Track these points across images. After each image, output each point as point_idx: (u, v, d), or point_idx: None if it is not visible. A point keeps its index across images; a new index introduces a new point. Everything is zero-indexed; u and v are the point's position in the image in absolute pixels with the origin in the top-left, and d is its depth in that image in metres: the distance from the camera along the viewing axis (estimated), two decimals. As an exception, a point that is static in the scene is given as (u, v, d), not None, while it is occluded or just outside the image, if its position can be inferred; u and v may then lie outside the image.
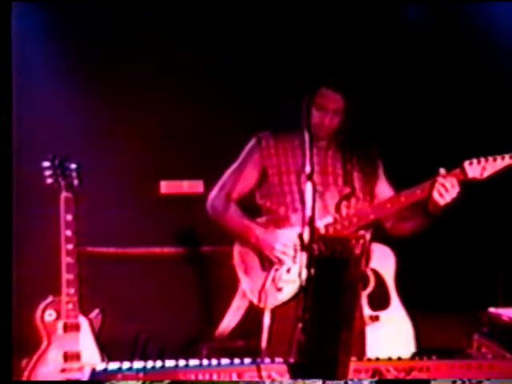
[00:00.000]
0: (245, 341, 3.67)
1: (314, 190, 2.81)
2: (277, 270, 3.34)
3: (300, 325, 2.55)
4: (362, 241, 2.51)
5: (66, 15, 4.70)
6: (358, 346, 3.19)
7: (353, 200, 3.44)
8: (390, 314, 3.64)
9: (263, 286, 3.33)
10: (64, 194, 3.89)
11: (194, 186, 4.87)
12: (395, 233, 3.54)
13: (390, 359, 2.64)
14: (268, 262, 3.37)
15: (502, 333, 3.42)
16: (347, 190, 3.45)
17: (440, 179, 3.25)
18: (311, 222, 2.74)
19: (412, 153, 4.69)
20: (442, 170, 3.28)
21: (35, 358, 3.86)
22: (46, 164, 3.88)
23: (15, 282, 3.40)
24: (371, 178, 3.52)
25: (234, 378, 2.55)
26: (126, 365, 2.57)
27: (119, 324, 4.26)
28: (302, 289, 2.97)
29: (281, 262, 3.34)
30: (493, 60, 4.79)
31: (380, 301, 3.62)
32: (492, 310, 3.58)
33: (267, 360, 2.62)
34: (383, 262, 3.65)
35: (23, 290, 4.07)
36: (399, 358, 2.65)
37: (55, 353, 3.87)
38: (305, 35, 4.74)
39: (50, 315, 3.90)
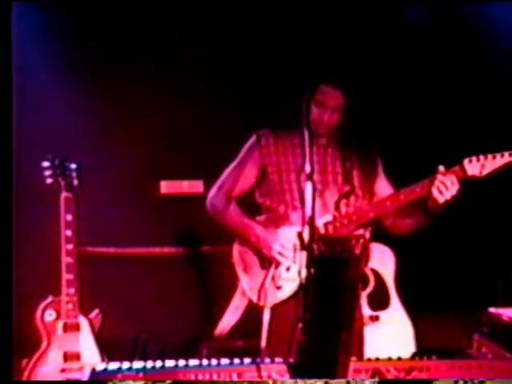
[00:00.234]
0: (244, 341, 3.67)
1: (314, 189, 2.81)
2: (276, 268, 3.34)
3: (300, 325, 2.55)
4: (361, 240, 2.51)
5: (66, 15, 4.70)
6: (357, 346, 3.19)
7: (352, 198, 3.44)
8: (389, 313, 3.64)
9: (262, 284, 3.33)
10: (64, 194, 3.89)
11: (194, 186, 4.87)
12: (395, 231, 3.54)
13: (390, 359, 2.64)
14: (267, 260, 3.37)
15: (502, 333, 3.42)
16: (346, 188, 3.44)
17: (439, 177, 3.25)
18: (311, 222, 2.74)
19: (411, 150, 4.69)
20: (442, 168, 3.27)
21: (35, 357, 3.85)
22: (46, 164, 3.88)
23: (15, 282, 3.40)
24: (370, 176, 3.52)
25: (234, 377, 2.55)
26: (125, 365, 2.57)
27: (119, 324, 4.26)
28: (301, 287, 2.97)
29: (278, 262, 3.33)
30: (493, 60, 4.79)
31: (380, 301, 3.62)
32: (492, 309, 3.58)
33: (267, 360, 2.62)
34: (383, 261, 3.65)
35: (23, 289, 4.07)
36: (399, 358, 2.65)
37: (55, 353, 3.87)
38: (305, 35, 4.74)
39: (50, 315, 3.90)
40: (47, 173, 3.88)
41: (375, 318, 3.63)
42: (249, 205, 3.54)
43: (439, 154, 3.38)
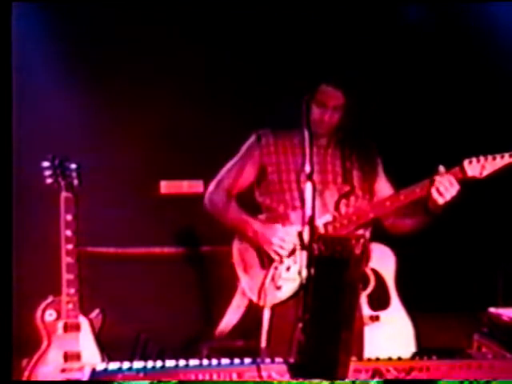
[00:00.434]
0: (245, 341, 3.67)
1: (314, 189, 2.81)
2: (276, 268, 3.34)
3: (300, 325, 2.55)
4: (362, 240, 2.51)
5: (66, 15, 4.70)
6: (357, 346, 3.19)
7: (352, 198, 3.44)
8: (390, 313, 3.65)
9: (262, 284, 3.32)
10: (64, 194, 3.89)
11: (194, 186, 4.87)
12: (394, 231, 3.53)
13: (390, 359, 2.64)
14: (267, 260, 3.36)
15: (502, 333, 3.42)
16: (346, 189, 3.44)
17: (439, 178, 3.24)
18: (311, 222, 2.74)
19: (411, 150, 4.69)
20: (442, 169, 3.27)
21: (35, 357, 3.86)
22: (46, 164, 3.89)
23: (15, 282, 3.39)
24: (370, 176, 3.51)
25: (234, 377, 2.55)
26: (126, 365, 2.57)
27: (119, 324, 4.26)
28: (301, 287, 2.97)
29: (278, 255, 3.32)
30: (493, 60, 4.79)
31: (380, 301, 3.63)
32: (492, 309, 3.58)
33: (267, 360, 2.62)
34: (383, 261, 3.66)
35: (23, 289, 4.07)
36: (399, 358, 2.65)
37: (55, 353, 3.87)
38: (305, 35, 4.74)
39: (50, 315, 3.90)
40: (47, 173, 3.88)
41: (375, 318, 3.63)
42: (249, 204, 3.54)
43: (439, 154, 3.37)
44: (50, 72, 4.70)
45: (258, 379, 2.54)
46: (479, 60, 4.82)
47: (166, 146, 4.78)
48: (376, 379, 2.56)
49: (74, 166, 3.92)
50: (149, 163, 4.80)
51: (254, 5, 4.70)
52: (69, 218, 3.88)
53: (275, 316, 3.29)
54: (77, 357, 3.86)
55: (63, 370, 3.85)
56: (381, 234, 3.54)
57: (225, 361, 2.60)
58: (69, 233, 3.88)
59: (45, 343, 3.89)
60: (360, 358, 2.69)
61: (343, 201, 3.42)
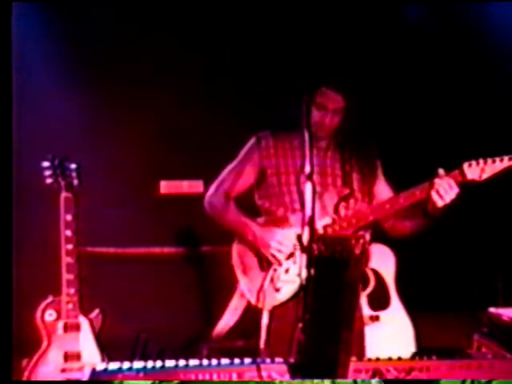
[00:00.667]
0: (245, 341, 3.68)
1: (314, 191, 2.81)
2: (275, 270, 3.33)
3: (300, 325, 2.55)
4: (361, 241, 2.51)
5: (66, 15, 4.70)
6: (358, 346, 3.19)
7: (351, 201, 3.43)
8: (390, 313, 3.65)
9: (261, 286, 3.32)
10: (64, 194, 3.89)
11: (194, 186, 4.87)
12: (394, 233, 3.53)
13: (390, 359, 2.64)
14: (266, 262, 3.36)
15: (502, 333, 3.42)
16: (346, 191, 3.43)
17: (439, 180, 3.24)
18: (311, 222, 2.74)
19: (411, 153, 4.69)
20: (441, 171, 3.26)
21: (35, 358, 3.85)
22: (46, 164, 3.88)
23: (15, 282, 3.40)
24: (370, 179, 3.50)
25: (234, 378, 2.55)
26: (126, 365, 2.57)
27: (119, 324, 4.26)
28: (300, 289, 2.97)
29: (276, 259, 3.33)
30: (493, 60, 4.79)
31: (380, 301, 3.63)
32: (492, 309, 3.58)
33: (267, 360, 2.62)
34: (383, 262, 3.66)
35: (23, 289, 4.07)
36: (399, 358, 2.65)
37: (55, 353, 3.87)
38: (305, 35, 4.74)
39: (50, 315, 3.90)
40: (47, 173, 3.88)
41: (375, 318, 3.63)
42: (248, 207, 3.53)
43: (439, 157, 3.37)
44: (50, 72, 4.71)
45: (257, 379, 2.54)
46: (479, 60, 4.82)
47: (166, 146, 4.77)
48: (376, 379, 2.56)
49: (73, 166, 3.92)
50: (149, 163, 4.80)
51: (254, 5, 4.70)
52: (69, 218, 3.88)
53: (274, 319, 3.28)
54: (77, 357, 3.86)
55: (63, 370, 3.85)
56: (381, 235, 3.53)
57: (225, 361, 2.60)
58: (69, 233, 3.88)
59: (45, 343, 3.89)
60: (361, 358, 2.69)
61: (343, 203, 3.41)
